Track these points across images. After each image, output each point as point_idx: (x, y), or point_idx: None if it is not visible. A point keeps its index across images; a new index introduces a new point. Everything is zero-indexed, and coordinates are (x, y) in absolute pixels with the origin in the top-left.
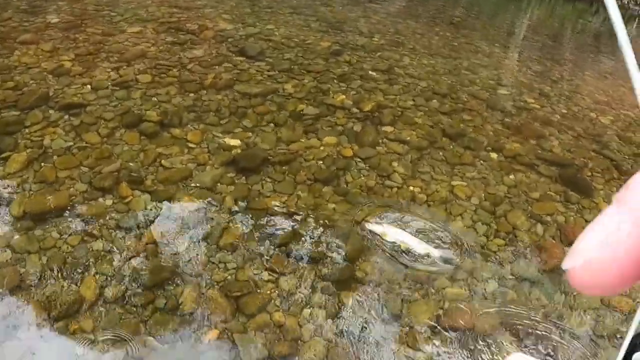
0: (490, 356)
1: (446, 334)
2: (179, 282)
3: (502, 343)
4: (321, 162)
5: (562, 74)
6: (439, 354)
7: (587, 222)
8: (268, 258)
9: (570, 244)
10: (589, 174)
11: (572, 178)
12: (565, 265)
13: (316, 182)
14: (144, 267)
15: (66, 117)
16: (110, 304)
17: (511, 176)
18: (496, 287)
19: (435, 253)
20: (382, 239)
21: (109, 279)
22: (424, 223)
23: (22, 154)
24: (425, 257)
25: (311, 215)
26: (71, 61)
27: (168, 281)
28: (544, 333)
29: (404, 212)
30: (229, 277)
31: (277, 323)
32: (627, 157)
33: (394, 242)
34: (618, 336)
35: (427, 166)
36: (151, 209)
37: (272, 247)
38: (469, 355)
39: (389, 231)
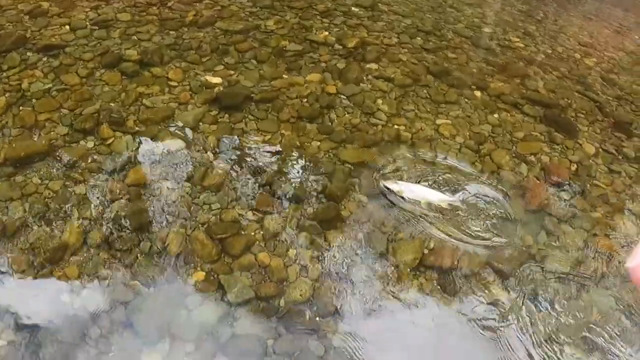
0: (475, 295)
1: (431, 273)
2: (163, 224)
3: (488, 282)
4: (305, 99)
5: (546, 14)
6: (423, 293)
7: (572, 162)
8: (252, 198)
9: (554, 183)
10: (573, 114)
11: (557, 118)
12: (628, 264)
13: (300, 120)
14: (127, 210)
15: (44, 59)
16: (95, 249)
17: (495, 115)
18: (481, 226)
19: (443, 197)
20: (399, 197)
21: (92, 223)
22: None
23: (0, 99)
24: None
25: (296, 154)
26: (48, 1)
27: (152, 224)
28: (528, 273)
29: (390, 152)
30: (214, 218)
31: (262, 264)
32: (610, 99)
33: (413, 199)
34: (600, 274)
35: (412, 104)
36: (133, 150)
37: (257, 187)
38: (453, 294)
39: (406, 188)
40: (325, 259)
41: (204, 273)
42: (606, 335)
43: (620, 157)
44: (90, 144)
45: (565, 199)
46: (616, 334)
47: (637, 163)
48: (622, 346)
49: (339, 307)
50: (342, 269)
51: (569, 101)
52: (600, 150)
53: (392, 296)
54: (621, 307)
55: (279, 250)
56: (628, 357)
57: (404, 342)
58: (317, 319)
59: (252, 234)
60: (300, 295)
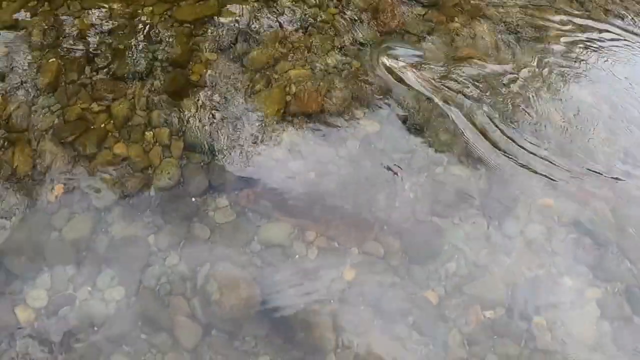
0: (346, 130)
1: (299, 118)
2: (4, 143)
3: (355, 115)
4: None
5: None
6: (294, 141)
7: None
8: (92, 86)
9: (406, 2)
10: None
11: None
12: None
13: None
14: None
15: None
16: None
17: None
18: (339, 59)
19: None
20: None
21: None
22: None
23: None
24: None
25: (129, 26)
26: None
27: None
28: (397, 97)
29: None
30: (57, 120)
31: (121, 156)
32: None
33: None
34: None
35: None
36: None
37: (94, 73)
38: (325, 136)
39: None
40: (186, 131)
41: (63, 185)
42: None
43: None
44: None
45: (420, 15)
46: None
47: None
48: None
49: (211, 179)
50: (204, 138)
51: None
52: None
53: (266, 152)
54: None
55: (135, 136)
56: None
57: (289, 195)
58: (194, 199)
59: (103, 126)
60: (169, 178)
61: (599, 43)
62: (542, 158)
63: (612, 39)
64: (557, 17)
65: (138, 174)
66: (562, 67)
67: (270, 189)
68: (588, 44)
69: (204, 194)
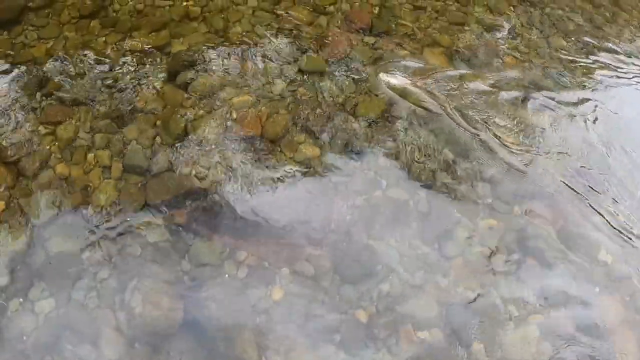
0: (285, 156)
1: (238, 141)
2: None
3: (296, 141)
4: None
5: None
6: (231, 163)
7: (373, 5)
8: (41, 110)
9: (358, 30)
10: None
11: None
12: None
13: (82, 19)
14: None
15: None
16: None
17: None
18: (284, 86)
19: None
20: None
21: None
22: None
23: None
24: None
25: (82, 54)
26: None
27: None
28: (339, 123)
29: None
30: (3, 142)
31: (61, 176)
32: None
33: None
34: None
35: None
36: None
37: (44, 98)
38: (265, 159)
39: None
40: (125, 154)
41: (3, 202)
42: None
43: None
44: None
45: (369, 44)
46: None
47: None
48: None
49: (147, 199)
50: (143, 162)
51: None
52: None
53: (202, 173)
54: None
55: (77, 157)
56: None
57: (223, 215)
58: (129, 218)
59: (48, 147)
60: (106, 198)
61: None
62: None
63: None
64: None
65: (77, 192)
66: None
67: (205, 209)
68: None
69: (139, 213)
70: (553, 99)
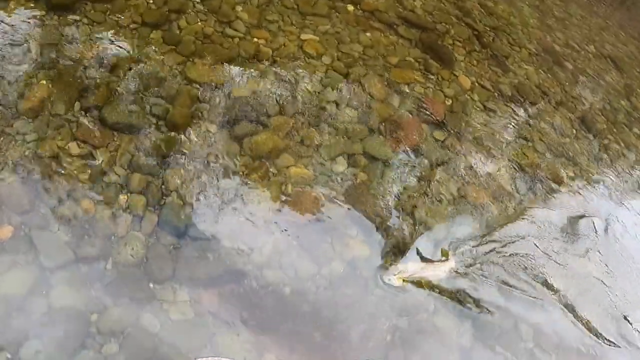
0: (334, 248)
1: (289, 223)
2: None
3: (348, 234)
4: (151, 0)
5: None
6: (279, 248)
7: (447, 96)
8: (77, 125)
9: (428, 121)
10: (450, 42)
11: (433, 44)
12: None
13: (143, 26)
14: None
15: None
16: None
17: (368, 34)
18: (345, 167)
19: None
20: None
21: None
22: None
23: None
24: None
25: (134, 69)
26: None
27: None
28: (394, 224)
29: (246, 67)
30: (28, 152)
31: (86, 213)
32: (488, 28)
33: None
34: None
35: (276, 14)
36: None
37: (83, 112)
38: (310, 245)
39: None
40: (163, 206)
41: (12, 228)
42: None
43: (496, 94)
44: None
45: (439, 140)
46: None
47: (505, 101)
48: None
49: (176, 267)
50: (181, 219)
51: (447, 26)
52: (477, 84)
53: (245, 253)
54: None
55: (108, 194)
56: None
57: (257, 306)
58: (152, 285)
59: (75, 172)
60: (132, 254)
61: None
62: None
63: None
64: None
65: (99, 239)
66: None
67: (239, 295)
68: None
69: (165, 282)
70: None
